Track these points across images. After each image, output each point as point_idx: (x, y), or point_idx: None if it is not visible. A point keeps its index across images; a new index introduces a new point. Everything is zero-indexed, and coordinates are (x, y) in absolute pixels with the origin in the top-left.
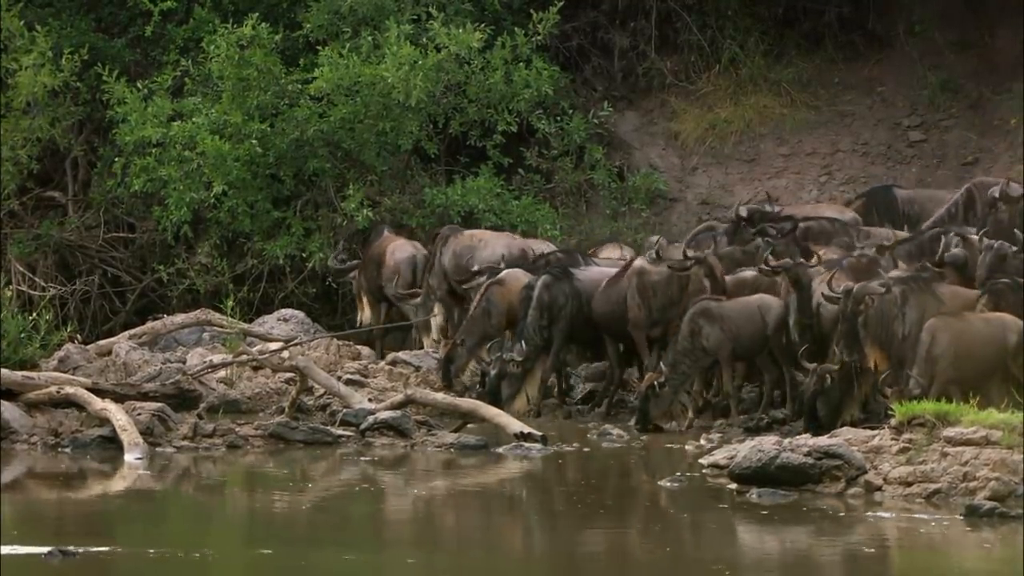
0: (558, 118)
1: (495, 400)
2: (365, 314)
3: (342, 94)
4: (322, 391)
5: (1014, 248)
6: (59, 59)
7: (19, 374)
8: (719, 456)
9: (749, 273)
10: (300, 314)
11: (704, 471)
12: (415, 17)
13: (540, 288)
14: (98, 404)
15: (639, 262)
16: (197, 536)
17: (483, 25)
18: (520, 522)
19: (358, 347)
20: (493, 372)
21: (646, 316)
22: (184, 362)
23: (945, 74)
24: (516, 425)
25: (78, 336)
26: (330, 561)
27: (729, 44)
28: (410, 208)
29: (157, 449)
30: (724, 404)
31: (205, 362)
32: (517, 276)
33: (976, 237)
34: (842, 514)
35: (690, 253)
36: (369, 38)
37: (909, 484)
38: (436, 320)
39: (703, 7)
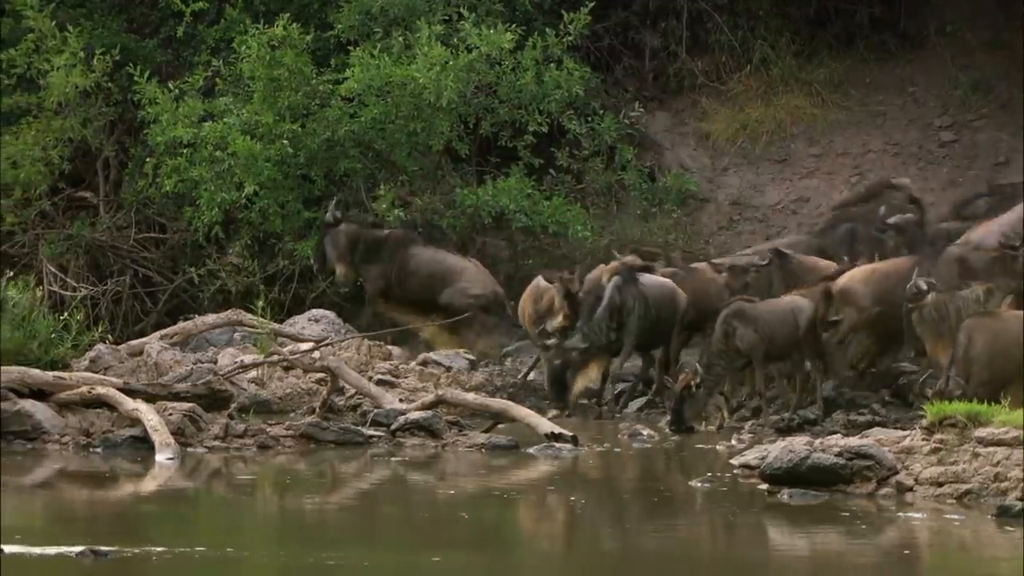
0: (589, 118)
1: (560, 389)
2: None
3: (373, 94)
4: (353, 391)
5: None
6: (91, 60)
7: (50, 374)
8: (750, 456)
9: None
10: (331, 314)
11: (735, 471)
12: (446, 18)
13: (612, 289)
14: (129, 404)
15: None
16: (228, 536)
17: (514, 25)
18: (550, 522)
19: (389, 347)
20: (556, 362)
21: None
22: (215, 362)
23: (976, 74)
24: (547, 425)
25: (109, 336)
26: (361, 561)
27: (760, 44)
28: (441, 208)
29: (188, 449)
30: (757, 404)
31: (236, 362)
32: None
33: None
34: (873, 515)
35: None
36: (400, 39)
37: (940, 484)
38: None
39: (734, 7)
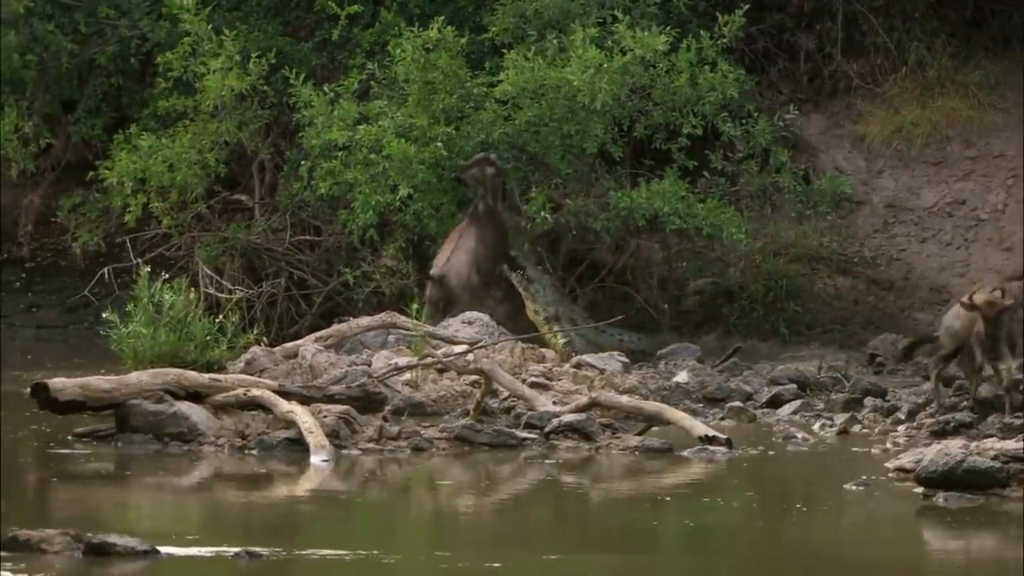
0: (743, 121)
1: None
2: None
3: (527, 97)
4: (507, 394)
5: None
6: (247, 63)
7: (206, 376)
8: (905, 460)
9: None
10: (485, 317)
11: (890, 475)
12: (600, 20)
13: None
14: (284, 406)
15: None
16: (382, 539)
17: (669, 28)
18: (704, 525)
19: (542, 350)
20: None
21: None
22: (370, 364)
23: None
24: (701, 428)
25: (264, 339)
26: (516, 564)
27: (916, 46)
28: (595, 211)
29: (343, 451)
30: (913, 407)
31: (390, 365)
32: None
33: None
34: None
35: None
36: (555, 41)
37: None
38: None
39: (890, 9)
